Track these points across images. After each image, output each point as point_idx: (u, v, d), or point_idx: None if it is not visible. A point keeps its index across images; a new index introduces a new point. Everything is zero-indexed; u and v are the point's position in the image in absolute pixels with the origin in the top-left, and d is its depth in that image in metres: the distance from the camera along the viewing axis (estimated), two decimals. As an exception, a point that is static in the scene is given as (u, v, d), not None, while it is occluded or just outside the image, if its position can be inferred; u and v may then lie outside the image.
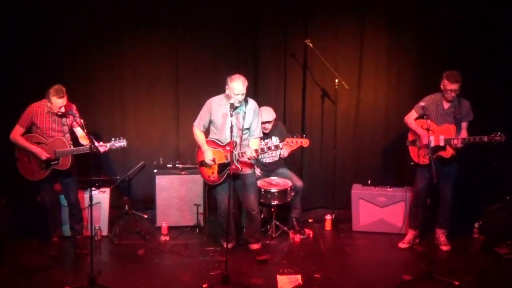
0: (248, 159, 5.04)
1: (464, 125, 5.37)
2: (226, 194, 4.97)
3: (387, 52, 6.41)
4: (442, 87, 5.29)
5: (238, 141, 5.04)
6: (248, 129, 5.11)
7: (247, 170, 5.16)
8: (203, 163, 5.22)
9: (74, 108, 5.22)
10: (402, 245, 5.59)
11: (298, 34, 6.37)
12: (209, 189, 5.50)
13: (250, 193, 5.19)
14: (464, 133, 5.35)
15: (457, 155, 5.33)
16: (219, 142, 5.11)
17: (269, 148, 5.10)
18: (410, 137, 5.53)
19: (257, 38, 6.41)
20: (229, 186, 4.89)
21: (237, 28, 6.39)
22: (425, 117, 5.10)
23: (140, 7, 6.26)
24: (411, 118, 5.47)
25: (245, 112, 5.05)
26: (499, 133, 5.15)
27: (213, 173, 5.15)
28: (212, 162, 5.09)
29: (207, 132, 5.28)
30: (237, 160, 5.02)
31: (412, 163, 5.50)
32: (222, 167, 5.07)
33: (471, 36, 6.17)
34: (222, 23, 6.34)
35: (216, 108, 5.08)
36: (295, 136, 4.97)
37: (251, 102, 5.14)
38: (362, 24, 6.37)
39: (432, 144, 5.22)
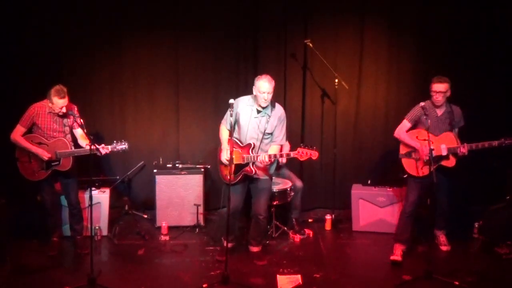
0: (260, 163, 5.01)
1: (455, 131, 5.27)
2: (238, 195, 5.06)
3: (387, 52, 6.42)
4: (430, 92, 5.17)
5: (257, 144, 5.02)
6: (271, 134, 5.06)
7: (262, 175, 5.13)
8: (222, 162, 5.20)
9: (76, 109, 5.22)
10: (394, 257, 5.22)
11: (298, 34, 6.37)
12: (225, 188, 5.53)
13: (260, 198, 5.18)
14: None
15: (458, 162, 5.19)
16: (239, 143, 5.06)
17: (281, 156, 5.09)
18: (402, 150, 5.32)
19: (257, 38, 6.41)
20: (228, 188, 4.86)
21: (237, 28, 6.39)
22: (425, 117, 5.07)
23: (140, 7, 6.27)
24: (403, 130, 5.28)
25: (269, 116, 5.00)
26: (509, 137, 5.02)
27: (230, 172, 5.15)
28: (227, 162, 5.07)
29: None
30: (253, 163, 5.01)
31: (405, 176, 5.34)
32: (238, 167, 5.03)
33: (471, 36, 6.17)
34: (222, 23, 6.35)
35: (242, 108, 5.01)
36: (306, 147, 4.91)
37: (278, 108, 5.08)
38: (362, 24, 6.37)
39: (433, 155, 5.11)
